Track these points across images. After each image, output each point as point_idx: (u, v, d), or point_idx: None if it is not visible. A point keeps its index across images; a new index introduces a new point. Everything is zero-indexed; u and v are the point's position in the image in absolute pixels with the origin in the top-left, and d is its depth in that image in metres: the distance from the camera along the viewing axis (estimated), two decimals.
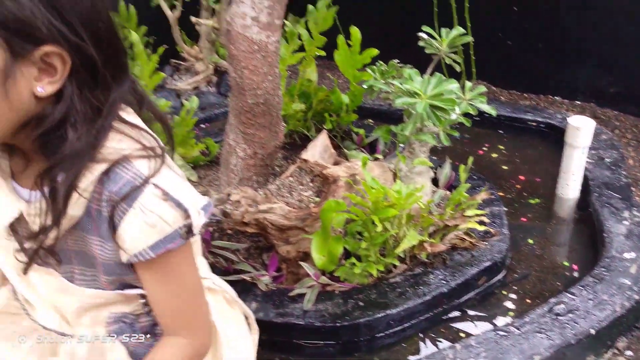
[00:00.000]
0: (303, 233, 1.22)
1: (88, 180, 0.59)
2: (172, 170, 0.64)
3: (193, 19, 2.12)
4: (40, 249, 0.63)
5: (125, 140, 0.61)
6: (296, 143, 1.83)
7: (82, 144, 0.56)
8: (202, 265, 0.82)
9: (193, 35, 2.33)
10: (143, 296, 0.69)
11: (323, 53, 1.67)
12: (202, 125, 2.11)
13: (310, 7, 1.62)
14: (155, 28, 2.15)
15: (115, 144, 0.60)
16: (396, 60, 1.47)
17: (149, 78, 1.63)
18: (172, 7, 2.10)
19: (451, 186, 1.57)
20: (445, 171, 1.56)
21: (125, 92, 0.62)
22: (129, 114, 0.64)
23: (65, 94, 0.55)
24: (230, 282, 0.87)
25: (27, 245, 0.64)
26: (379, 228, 1.06)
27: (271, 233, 1.23)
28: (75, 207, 0.60)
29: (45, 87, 0.54)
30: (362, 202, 1.11)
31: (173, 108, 2.04)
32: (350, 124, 1.79)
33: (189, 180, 1.57)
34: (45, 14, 0.51)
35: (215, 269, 1.25)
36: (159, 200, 0.60)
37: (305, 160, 1.30)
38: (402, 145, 1.46)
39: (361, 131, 1.79)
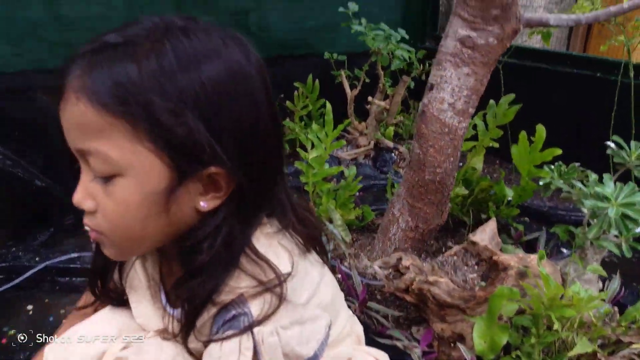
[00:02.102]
0: (463, 314, 1.22)
1: (203, 319, 0.59)
2: (290, 309, 0.59)
3: (370, 98, 2.31)
4: None
5: (243, 276, 0.58)
6: (449, 226, 1.86)
7: (216, 259, 0.56)
8: (357, 325, 0.81)
9: (360, 112, 2.53)
10: None
11: (497, 145, 1.71)
12: (357, 193, 2.23)
13: (491, 101, 1.70)
14: (332, 101, 2.39)
15: (233, 282, 0.58)
16: (577, 164, 1.47)
17: (330, 144, 1.79)
18: (353, 86, 2.33)
19: (618, 302, 1.47)
20: (615, 285, 1.47)
21: (271, 207, 0.62)
22: (265, 225, 0.63)
23: (221, 209, 0.56)
24: (382, 346, 0.87)
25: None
26: (556, 325, 1.02)
27: (429, 307, 1.25)
28: (195, 342, 0.62)
29: (209, 202, 0.55)
30: (538, 296, 1.09)
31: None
32: (510, 218, 1.78)
33: (343, 240, 1.66)
34: (212, 138, 0.51)
35: (368, 329, 1.28)
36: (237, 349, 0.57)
37: (474, 243, 1.32)
38: (571, 249, 1.42)
39: (520, 227, 1.77)
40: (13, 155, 1.77)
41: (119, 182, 0.53)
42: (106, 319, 0.74)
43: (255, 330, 0.56)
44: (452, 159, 1.38)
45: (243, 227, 0.59)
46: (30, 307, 1.54)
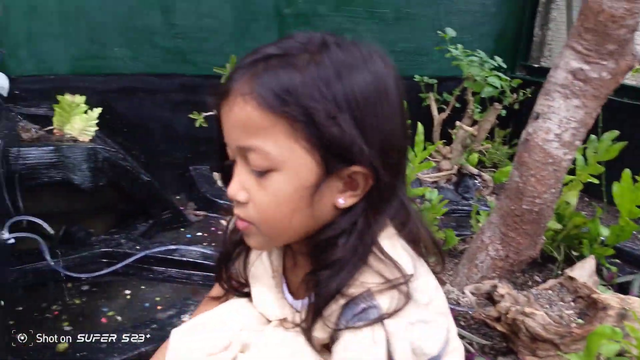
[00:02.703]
0: (556, 350, 1.19)
1: (331, 309, 0.61)
2: (415, 307, 0.60)
3: (457, 123, 2.31)
4: None
5: (370, 272, 0.61)
6: (536, 260, 1.81)
7: (349, 254, 0.59)
8: (460, 343, 0.79)
9: (444, 136, 2.53)
10: None
11: (596, 181, 1.67)
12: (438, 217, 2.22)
13: (592, 136, 1.65)
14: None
15: (362, 277, 0.60)
16: None
17: (418, 164, 1.81)
18: (441, 110, 2.34)
19: None
20: None
21: (394, 211, 0.64)
22: (388, 226, 0.65)
23: (357, 207, 0.60)
24: None
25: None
26: None
27: (521, 339, 1.23)
28: (321, 331, 0.63)
29: (346, 200, 0.59)
30: None
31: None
32: (603, 258, 1.71)
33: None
34: (360, 138, 0.56)
35: None
36: (371, 341, 0.58)
37: (572, 279, 1.29)
38: None
39: (614, 268, 1.70)
40: (122, 150, 1.91)
41: (273, 176, 0.57)
42: (232, 309, 0.79)
43: (386, 322, 0.58)
44: (553, 190, 1.36)
45: (373, 225, 0.62)
46: (128, 292, 1.66)
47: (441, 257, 0.70)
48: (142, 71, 2.18)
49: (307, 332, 0.65)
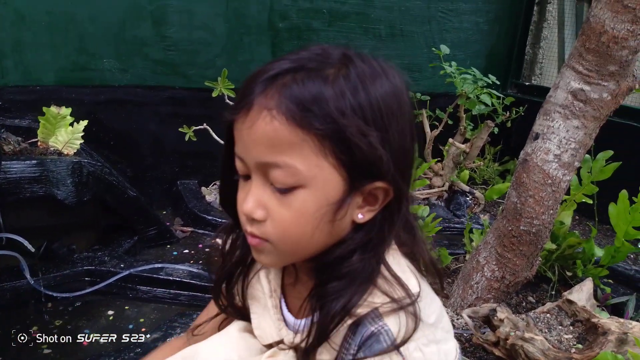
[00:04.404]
0: None
1: (337, 328, 0.58)
2: (424, 329, 0.59)
3: (450, 140, 2.30)
4: None
5: (376, 292, 0.59)
6: (530, 279, 1.79)
7: (361, 268, 0.58)
8: None
9: (435, 153, 2.51)
10: None
11: (590, 201, 1.65)
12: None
13: (587, 156, 1.64)
14: None
15: (369, 297, 0.59)
16: None
17: (413, 182, 1.79)
18: (433, 126, 2.33)
19: None
20: None
21: (401, 227, 0.62)
22: (392, 245, 0.63)
23: (374, 221, 0.58)
24: None
25: None
26: None
27: None
28: (325, 352, 0.61)
29: (365, 215, 0.58)
30: None
31: None
32: (597, 278, 1.69)
33: None
34: (386, 154, 0.54)
35: None
36: None
37: (571, 302, 1.26)
38: None
39: (608, 289, 1.68)
40: (107, 164, 1.86)
41: (299, 192, 0.55)
42: (226, 339, 0.74)
43: (402, 348, 0.56)
44: (551, 211, 1.34)
45: (388, 240, 0.60)
46: (111, 312, 1.59)
47: (439, 277, 0.68)
48: (131, 83, 2.13)
49: (309, 354, 0.62)
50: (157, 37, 2.13)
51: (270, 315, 0.69)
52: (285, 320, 0.69)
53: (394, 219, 0.60)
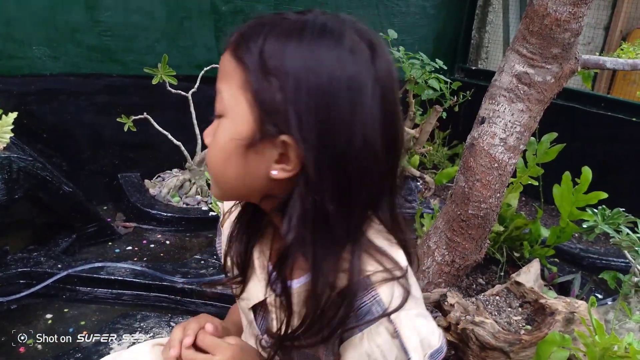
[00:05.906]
0: (507, 358, 1.17)
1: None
2: (414, 302, 0.61)
3: None
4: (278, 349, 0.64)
5: (368, 260, 0.60)
6: (479, 262, 1.81)
7: (297, 235, 0.57)
8: None
9: None
10: None
11: (535, 183, 1.68)
12: None
13: (531, 138, 1.67)
14: None
15: (362, 265, 0.59)
16: (622, 209, 1.43)
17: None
18: None
19: None
20: None
21: (384, 212, 0.62)
22: (377, 232, 0.64)
23: (298, 184, 0.57)
24: None
25: (265, 340, 0.67)
26: None
27: (470, 348, 1.20)
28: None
29: (279, 172, 0.57)
30: (591, 345, 1.05)
31: None
32: (544, 258, 1.73)
33: None
34: (292, 112, 0.53)
35: None
36: (388, 336, 0.58)
37: (519, 284, 1.28)
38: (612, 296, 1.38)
39: (554, 269, 1.73)
40: (41, 158, 1.74)
41: (222, 121, 0.59)
42: (139, 355, 0.75)
43: (393, 316, 0.58)
44: (498, 195, 1.35)
45: (344, 214, 0.58)
46: (49, 316, 1.50)
47: (417, 257, 0.68)
48: (64, 71, 1.99)
49: (289, 318, 0.62)
50: (91, 22, 1.99)
51: (256, 275, 0.70)
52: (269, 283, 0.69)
53: (348, 195, 0.57)
